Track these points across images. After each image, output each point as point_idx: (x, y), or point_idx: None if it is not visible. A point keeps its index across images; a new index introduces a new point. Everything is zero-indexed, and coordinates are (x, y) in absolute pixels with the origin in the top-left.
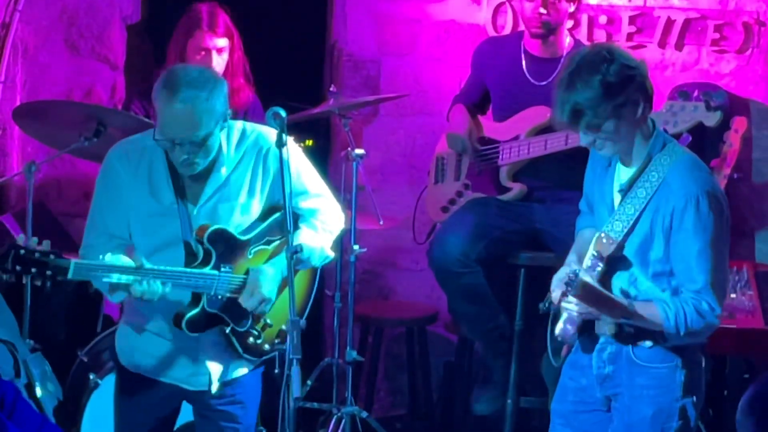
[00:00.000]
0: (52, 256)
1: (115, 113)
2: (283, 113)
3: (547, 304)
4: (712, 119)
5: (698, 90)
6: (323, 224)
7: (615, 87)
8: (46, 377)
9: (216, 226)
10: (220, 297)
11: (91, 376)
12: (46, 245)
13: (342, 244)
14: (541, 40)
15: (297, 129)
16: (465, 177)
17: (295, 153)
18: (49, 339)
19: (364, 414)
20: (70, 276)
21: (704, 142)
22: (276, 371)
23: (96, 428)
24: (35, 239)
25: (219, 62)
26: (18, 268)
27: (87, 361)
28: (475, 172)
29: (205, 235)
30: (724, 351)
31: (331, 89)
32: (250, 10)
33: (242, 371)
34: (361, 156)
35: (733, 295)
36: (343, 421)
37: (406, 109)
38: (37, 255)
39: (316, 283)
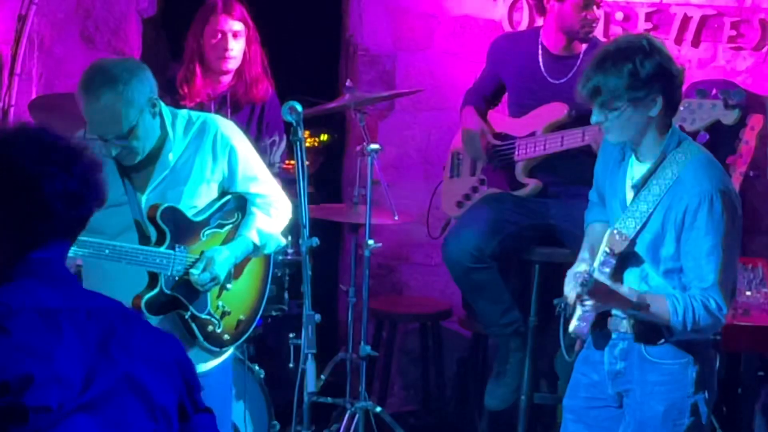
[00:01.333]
0: None
1: None
2: (299, 107)
3: (563, 305)
4: (730, 117)
5: (716, 88)
6: (276, 210)
7: (641, 80)
8: None
9: (167, 204)
10: (176, 278)
11: None
12: None
13: (357, 239)
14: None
15: (312, 123)
16: (480, 172)
17: (242, 139)
18: None
19: (378, 409)
20: None
21: (720, 139)
22: (291, 366)
23: None
24: None
25: (235, 46)
26: None
27: None
28: (490, 168)
29: (158, 213)
30: (739, 348)
31: (346, 84)
32: (267, 5)
33: (208, 365)
34: (376, 151)
35: (748, 293)
36: (357, 415)
37: (422, 104)
38: None
39: (270, 277)
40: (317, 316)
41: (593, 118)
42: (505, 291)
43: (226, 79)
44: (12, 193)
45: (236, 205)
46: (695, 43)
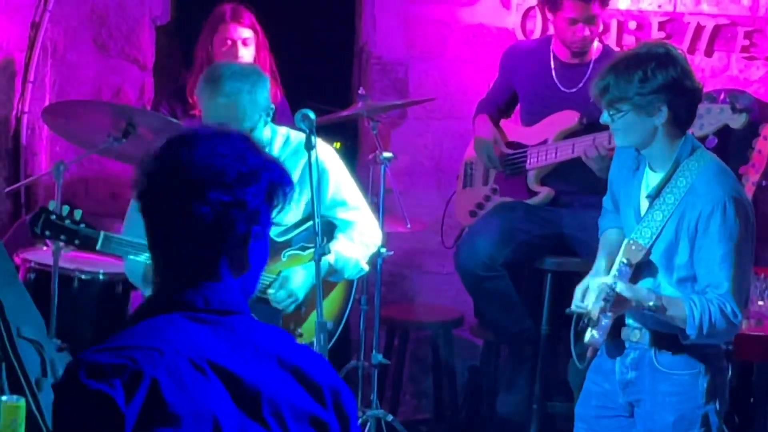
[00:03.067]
0: (82, 225)
1: (144, 113)
2: (312, 115)
3: (585, 321)
4: (737, 121)
5: (724, 93)
6: (361, 236)
7: (648, 88)
8: None
9: None
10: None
11: None
12: (77, 214)
13: None
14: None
15: (325, 131)
16: (493, 181)
17: (337, 163)
18: (76, 339)
19: (389, 417)
20: (98, 247)
21: (731, 148)
22: None
23: None
24: (66, 207)
25: (245, 54)
26: (47, 233)
27: None
28: (503, 177)
29: None
30: (751, 357)
31: (359, 92)
32: (279, 13)
33: None
34: (389, 159)
35: (760, 302)
36: (369, 423)
37: (434, 112)
38: (67, 222)
39: (353, 295)
40: (329, 324)
41: (602, 117)
42: (517, 300)
43: None
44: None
45: (323, 230)
46: (708, 52)
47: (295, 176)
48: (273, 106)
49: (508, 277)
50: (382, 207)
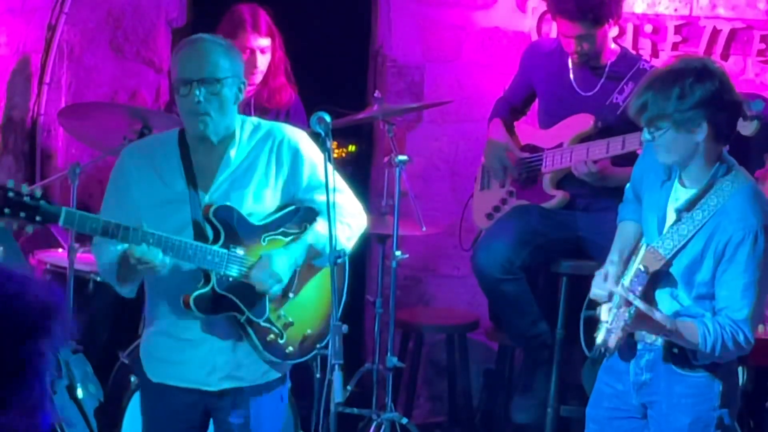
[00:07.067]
0: (42, 201)
1: (160, 115)
2: (327, 118)
3: (600, 352)
4: (748, 128)
5: None
6: (342, 218)
7: (686, 104)
8: (88, 378)
9: (223, 203)
10: (231, 279)
11: (132, 378)
12: (37, 192)
13: (384, 249)
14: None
15: (341, 134)
16: (509, 184)
17: (311, 147)
18: (91, 340)
19: (404, 420)
20: (61, 223)
21: (749, 153)
22: (317, 376)
23: (136, 430)
24: (26, 185)
25: (263, 62)
26: (6, 210)
27: (128, 363)
28: (519, 180)
29: (211, 211)
30: (766, 363)
31: (375, 95)
32: (295, 15)
33: (263, 375)
34: (404, 162)
35: None
36: (383, 426)
37: (450, 115)
38: (26, 199)
39: (346, 282)
40: (344, 327)
41: (642, 135)
42: (533, 303)
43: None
44: None
45: (306, 217)
46: (724, 56)
47: (271, 159)
48: (244, 81)
49: (525, 280)
50: (397, 210)
